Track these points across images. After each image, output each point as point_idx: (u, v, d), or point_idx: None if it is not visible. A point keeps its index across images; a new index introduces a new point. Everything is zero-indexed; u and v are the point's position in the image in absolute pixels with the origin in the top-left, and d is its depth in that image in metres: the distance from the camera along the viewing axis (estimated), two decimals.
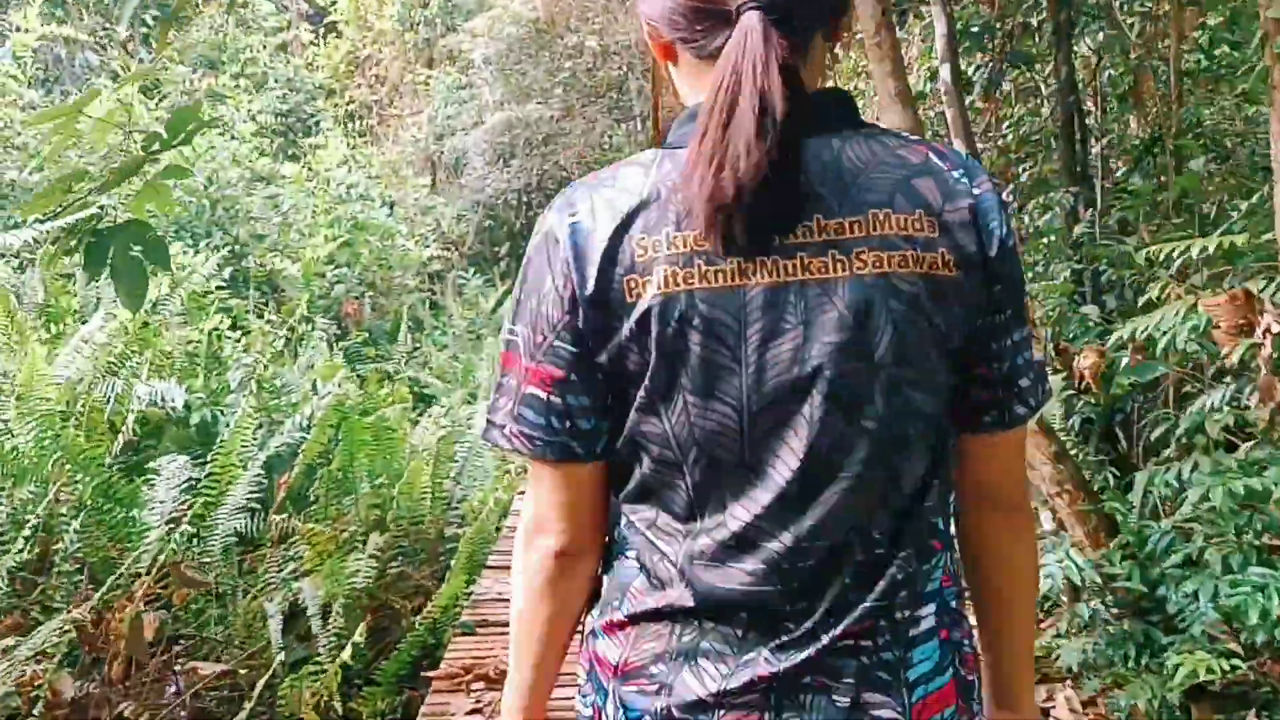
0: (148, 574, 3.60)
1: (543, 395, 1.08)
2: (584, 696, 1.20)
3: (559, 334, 1.06)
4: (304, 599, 4.22)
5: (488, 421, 1.14)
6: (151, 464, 4.66)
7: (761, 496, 1.05)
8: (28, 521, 3.62)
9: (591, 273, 1.04)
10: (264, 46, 14.42)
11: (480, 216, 15.54)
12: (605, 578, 1.19)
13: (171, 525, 3.87)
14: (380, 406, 5.57)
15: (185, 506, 4.04)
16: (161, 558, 3.65)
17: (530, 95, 14.47)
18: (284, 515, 4.76)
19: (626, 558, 1.15)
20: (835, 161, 1.04)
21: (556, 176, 16.40)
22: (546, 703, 1.26)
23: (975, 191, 1.06)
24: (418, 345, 9.91)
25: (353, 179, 10.40)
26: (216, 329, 5.94)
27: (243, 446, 4.78)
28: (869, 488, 1.05)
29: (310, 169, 10.07)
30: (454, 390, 9.09)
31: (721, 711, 1.08)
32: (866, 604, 1.07)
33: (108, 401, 5.22)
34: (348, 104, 18.91)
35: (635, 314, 1.03)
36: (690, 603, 1.09)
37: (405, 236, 10.94)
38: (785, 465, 1.04)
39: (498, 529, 5.29)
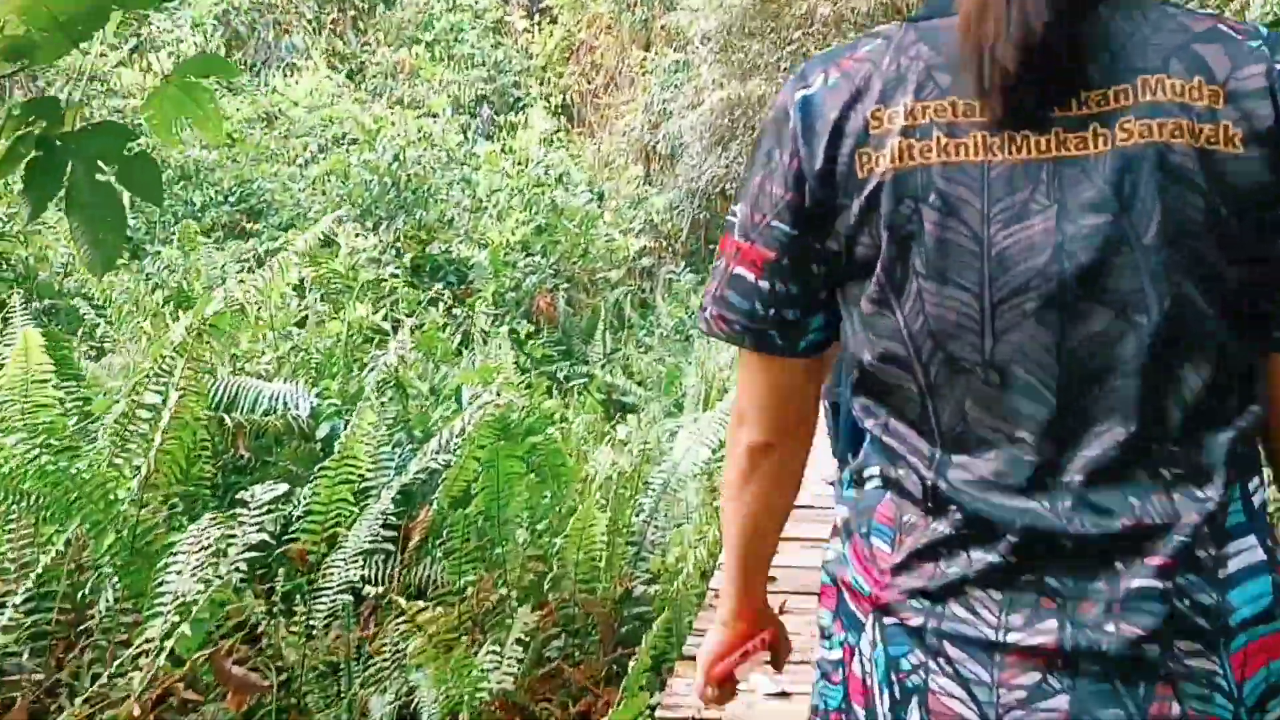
0: (151, 679, 2.35)
1: (750, 277, 1.02)
2: (829, 638, 1.07)
3: (778, 212, 1.00)
4: (418, 700, 2.95)
5: (700, 305, 1.07)
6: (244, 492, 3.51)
7: (1012, 402, 0.94)
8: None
9: (820, 146, 0.97)
10: (472, 26, 13.61)
11: (695, 207, 14.21)
12: (848, 497, 1.07)
13: (186, 605, 2.60)
14: (552, 421, 4.23)
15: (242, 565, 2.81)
16: (162, 658, 2.39)
17: (754, 71, 13.00)
18: (411, 571, 3.51)
19: (870, 475, 1.04)
20: (1104, 29, 0.94)
21: None
22: (761, 591, 1.22)
23: (1278, 61, 0.91)
24: (617, 346, 8.64)
25: (553, 159, 9.24)
26: (367, 320, 4.79)
27: (362, 471, 3.57)
28: (1142, 396, 0.92)
29: (508, 149, 8.98)
30: (656, 399, 7.75)
31: (1003, 654, 0.93)
32: (1158, 534, 0.92)
33: (217, 407, 4.13)
34: (562, 91, 18.07)
35: (865, 191, 0.95)
36: (948, 528, 0.96)
37: (610, 225, 9.70)
38: (1036, 366, 0.93)
39: (700, 596, 3.85)
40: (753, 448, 1.09)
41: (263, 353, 4.51)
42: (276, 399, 4.26)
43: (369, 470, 4.01)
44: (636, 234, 13.93)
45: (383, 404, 4.11)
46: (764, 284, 1.01)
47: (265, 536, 3.24)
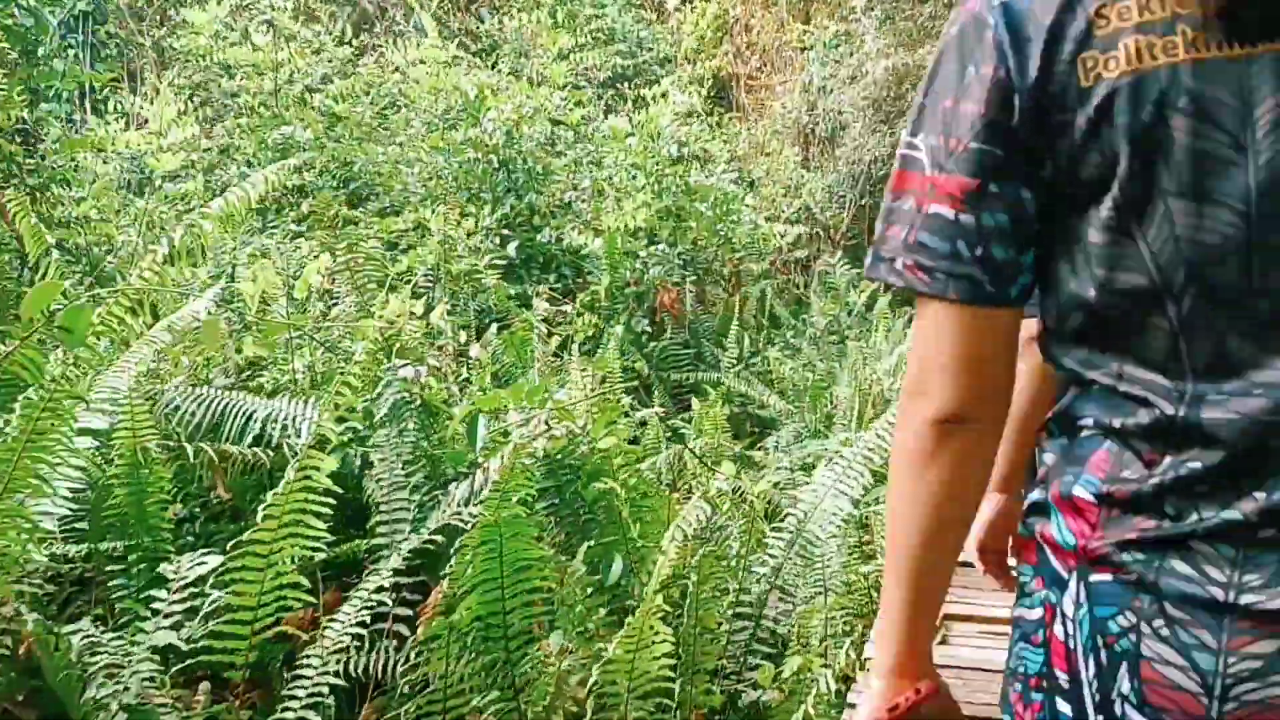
0: None
1: (950, 214, 0.92)
2: (1029, 595, 0.98)
3: (977, 134, 0.91)
4: None
5: (873, 257, 0.97)
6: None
7: None
8: None
9: (1033, 54, 0.88)
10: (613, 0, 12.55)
11: (856, 193, 12.78)
12: (1055, 445, 0.97)
13: None
14: (628, 461, 3.01)
15: None
16: None
17: (925, 38, 11.48)
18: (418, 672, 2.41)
19: (1082, 423, 0.94)
20: None
21: None
22: (930, 629, 1.02)
23: None
24: (755, 350, 7.39)
25: (685, 133, 8.05)
26: (406, 318, 3.71)
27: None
28: None
29: (637, 125, 7.85)
30: (801, 413, 6.47)
31: (1235, 618, 0.84)
32: None
33: (196, 434, 3.14)
34: (714, 73, 16.86)
35: (1094, 101, 0.86)
36: (1185, 472, 0.86)
37: (754, 210, 8.45)
38: None
39: None
40: (940, 420, 0.94)
41: (275, 362, 3.51)
42: (275, 422, 3.25)
43: (381, 521, 2.96)
44: (790, 222, 12.63)
45: (401, 432, 3.04)
46: (967, 218, 0.92)
47: (176, 639, 2.20)
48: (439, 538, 2.70)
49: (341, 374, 3.30)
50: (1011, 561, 1.49)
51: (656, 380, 6.64)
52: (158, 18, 11.69)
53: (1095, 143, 0.86)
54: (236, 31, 8.65)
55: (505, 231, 6.92)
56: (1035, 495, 0.98)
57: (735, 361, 6.82)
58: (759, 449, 6.39)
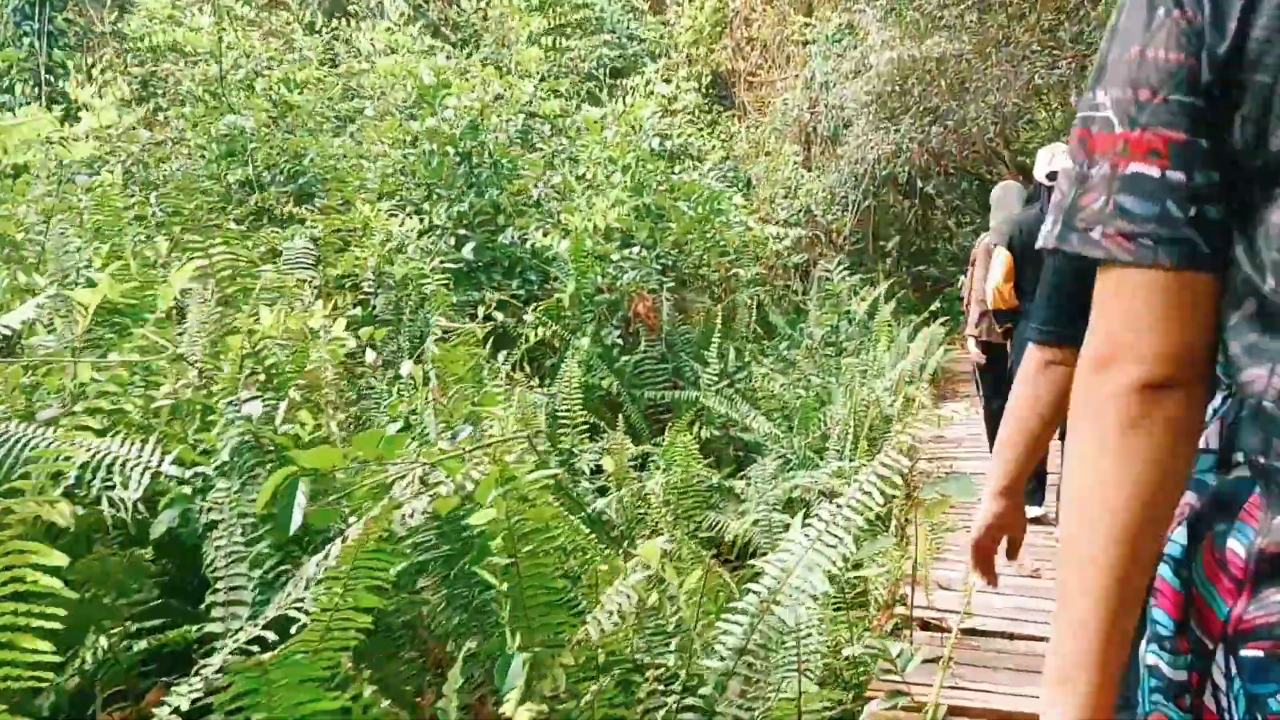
0: None
1: (1155, 172, 0.82)
2: (1171, 652, 0.89)
3: (1177, 83, 0.81)
4: None
5: (1061, 226, 0.87)
6: None
7: None
8: None
9: (1231, 5, 0.78)
10: None
11: (860, 195, 12.07)
12: (1206, 482, 0.90)
13: None
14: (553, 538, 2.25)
15: None
16: None
17: (933, 28, 10.77)
18: None
19: (1239, 460, 0.86)
20: None
21: (965, 141, 12.54)
22: (1130, 630, 0.85)
23: None
24: (742, 364, 6.67)
25: (666, 125, 7.34)
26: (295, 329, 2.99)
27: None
28: None
29: (618, 117, 7.15)
30: (789, 437, 5.76)
31: None
32: None
33: None
34: (713, 69, 16.15)
35: None
36: None
37: (745, 210, 7.74)
38: None
39: None
40: (1148, 384, 0.83)
41: (121, 389, 2.80)
42: (99, 468, 2.54)
43: (216, 602, 2.26)
44: (789, 225, 11.92)
45: (245, 485, 2.34)
46: (1176, 175, 0.81)
47: None
48: (270, 634, 2.00)
49: (187, 407, 2.59)
50: (1001, 561, 1.60)
51: (628, 399, 5.93)
52: (116, 4, 11.03)
53: None
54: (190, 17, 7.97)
55: (463, 231, 6.22)
56: (1179, 535, 0.88)
57: (717, 378, 6.11)
58: (741, 477, 5.68)
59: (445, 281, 5.54)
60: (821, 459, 5.63)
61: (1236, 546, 0.82)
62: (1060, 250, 0.88)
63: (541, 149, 7.35)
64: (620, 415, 5.96)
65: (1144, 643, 0.92)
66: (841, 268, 9.39)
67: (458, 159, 6.60)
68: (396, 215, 5.59)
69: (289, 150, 6.97)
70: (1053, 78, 10.67)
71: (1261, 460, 0.80)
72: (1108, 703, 0.84)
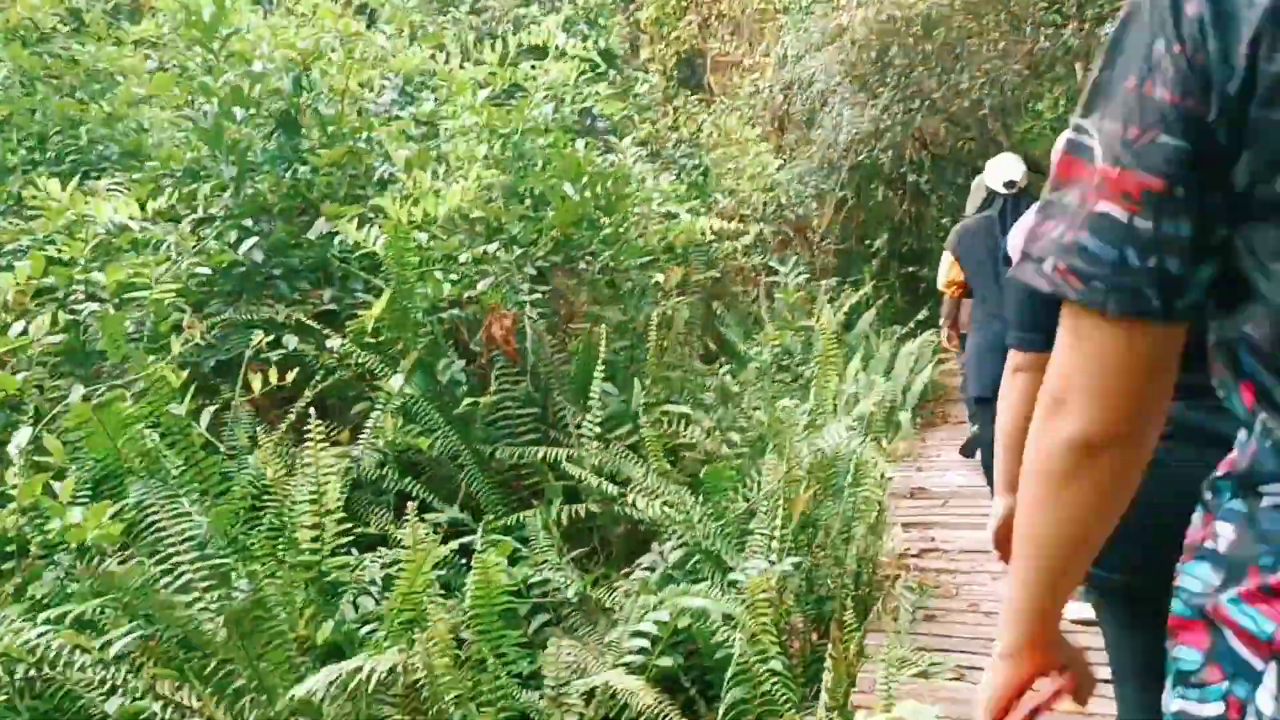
0: None
1: (1122, 216, 0.81)
2: (1199, 686, 0.86)
3: (1169, 125, 0.78)
4: None
5: (1022, 256, 0.87)
6: None
7: None
8: None
9: (1239, 37, 0.74)
10: None
11: (835, 184, 10.30)
12: (1235, 511, 0.86)
13: None
14: None
15: None
16: None
17: None
18: None
19: (1265, 490, 0.83)
20: None
21: (956, 119, 10.77)
22: (1055, 632, 1.01)
23: None
24: (652, 403, 4.89)
25: (568, 87, 5.57)
26: None
27: None
28: None
29: (499, 76, 5.39)
30: (692, 517, 3.98)
31: None
32: None
33: None
34: (678, 50, 14.41)
35: None
36: None
37: (668, 194, 5.96)
38: None
39: None
40: (1083, 443, 0.87)
41: None
42: None
43: None
44: (751, 220, 10.18)
45: None
46: (1143, 223, 0.80)
47: None
48: None
49: None
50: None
51: (470, 461, 4.16)
52: None
53: None
54: None
55: (249, 223, 4.46)
56: (1200, 569, 0.87)
57: (600, 427, 4.34)
58: (629, 575, 3.92)
59: (184, 295, 3.80)
60: (739, 554, 3.87)
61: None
62: (1015, 279, 0.87)
63: (401, 117, 5.59)
64: (462, 487, 4.20)
65: (1166, 693, 0.90)
66: (797, 268, 7.59)
67: (271, 127, 4.84)
68: (113, 196, 3.83)
69: (55, 117, 5.22)
70: (1059, 44, 8.92)
71: None
72: (1035, 667, 1.01)
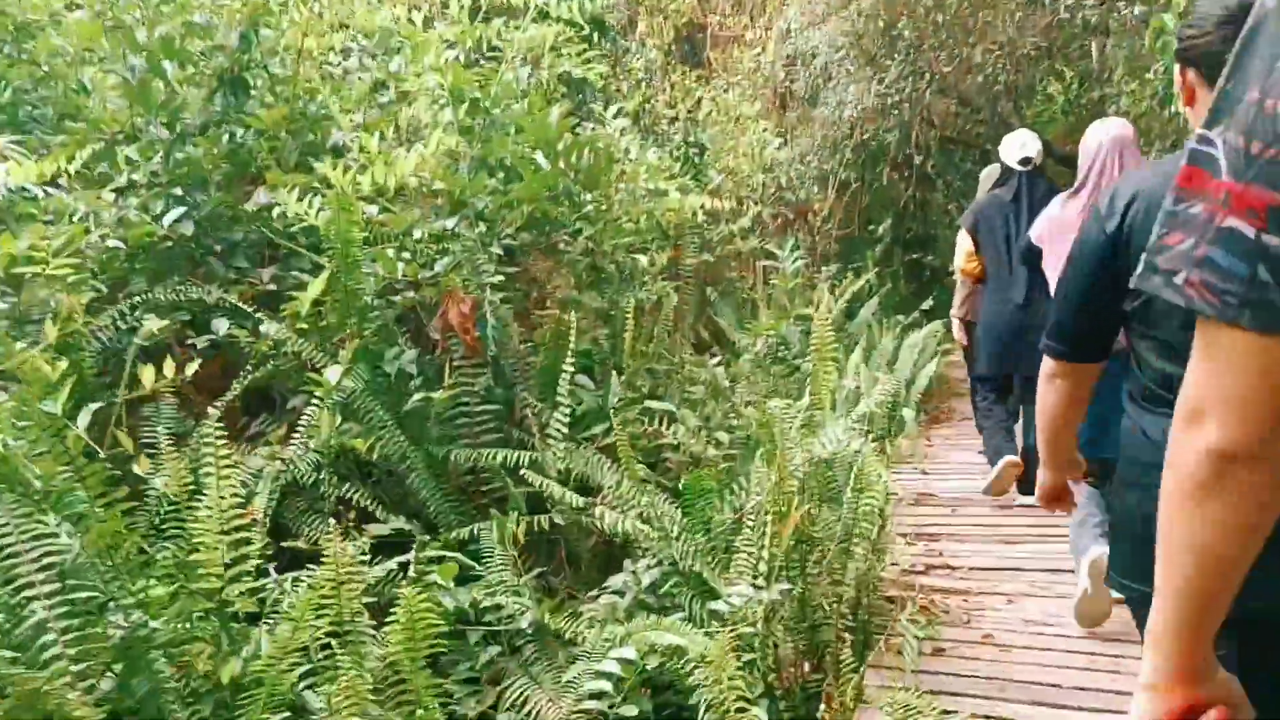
0: None
1: (1250, 232, 0.80)
2: None
3: None
4: None
5: (1145, 267, 0.87)
6: None
7: None
8: None
9: None
10: None
11: (837, 166, 9.78)
12: None
13: None
14: None
15: None
16: None
17: None
18: None
19: None
20: None
21: (966, 98, 10.27)
22: (1207, 659, 0.94)
23: None
24: (636, 394, 4.42)
25: (545, 48, 5.07)
26: None
27: None
28: None
29: (471, 36, 4.89)
30: (672, 534, 3.51)
31: None
32: None
33: None
34: (676, 24, 13.85)
35: None
36: None
37: (653, 172, 5.46)
38: None
39: None
40: (1223, 453, 0.85)
41: None
42: None
43: None
44: (747, 202, 9.67)
45: None
46: (1271, 240, 0.79)
47: None
48: None
49: None
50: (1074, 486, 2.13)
51: (423, 466, 3.68)
52: None
53: None
54: None
55: (179, 192, 3.97)
56: None
57: (573, 426, 3.86)
58: (597, 593, 3.45)
59: (101, 273, 3.31)
60: (727, 571, 3.39)
61: None
62: (1140, 289, 0.87)
63: (363, 77, 5.08)
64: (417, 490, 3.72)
65: None
66: (795, 253, 7.09)
67: (215, 85, 4.34)
68: (9, 157, 3.34)
69: None
70: (1079, 17, 8.39)
71: None
72: (1185, 699, 0.93)
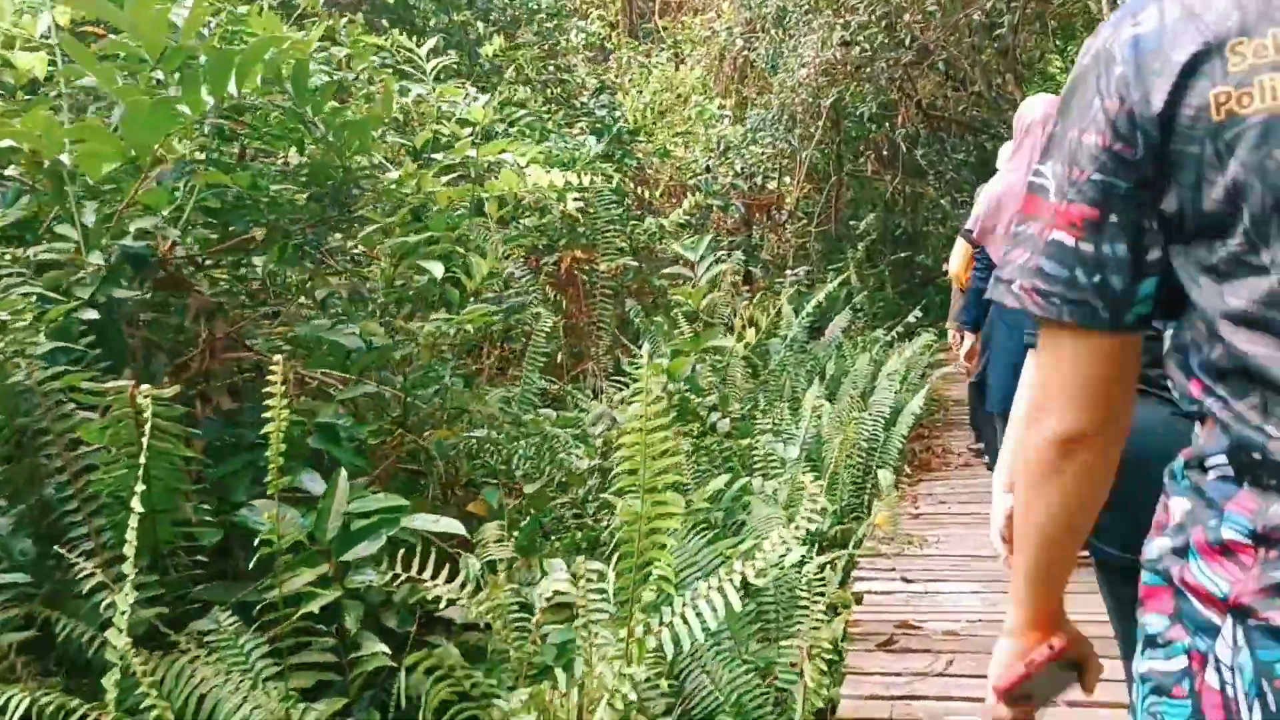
0: None
1: (1069, 242, 0.95)
2: (1163, 645, 0.96)
3: (1101, 164, 0.93)
4: None
5: (994, 280, 1.02)
6: None
7: None
8: None
9: (1161, 87, 0.89)
10: None
11: (795, 138, 7.85)
12: (1187, 486, 0.97)
13: None
14: None
15: None
16: None
17: None
18: None
19: (1215, 464, 0.94)
20: None
21: (955, 69, 8.37)
22: (1059, 594, 1.11)
23: None
24: (397, 508, 2.50)
25: None
26: None
27: None
28: None
29: None
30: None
31: None
32: None
33: None
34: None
35: (1224, 136, 0.87)
36: None
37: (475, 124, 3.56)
38: None
39: None
40: (1063, 439, 0.99)
41: None
42: None
43: None
44: (710, 194, 7.75)
45: None
46: (1085, 247, 0.94)
47: None
48: None
49: None
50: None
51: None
52: None
53: (1220, 177, 0.86)
54: None
55: None
56: (1161, 540, 0.97)
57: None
58: None
59: None
60: None
61: (1234, 534, 0.88)
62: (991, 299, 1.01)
63: None
64: None
65: (1135, 659, 0.99)
66: (716, 253, 5.15)
67: None
68: None
69: None
70: None
71: (1245, 460, 0.88)
72: (1037, 641, 1.09)
